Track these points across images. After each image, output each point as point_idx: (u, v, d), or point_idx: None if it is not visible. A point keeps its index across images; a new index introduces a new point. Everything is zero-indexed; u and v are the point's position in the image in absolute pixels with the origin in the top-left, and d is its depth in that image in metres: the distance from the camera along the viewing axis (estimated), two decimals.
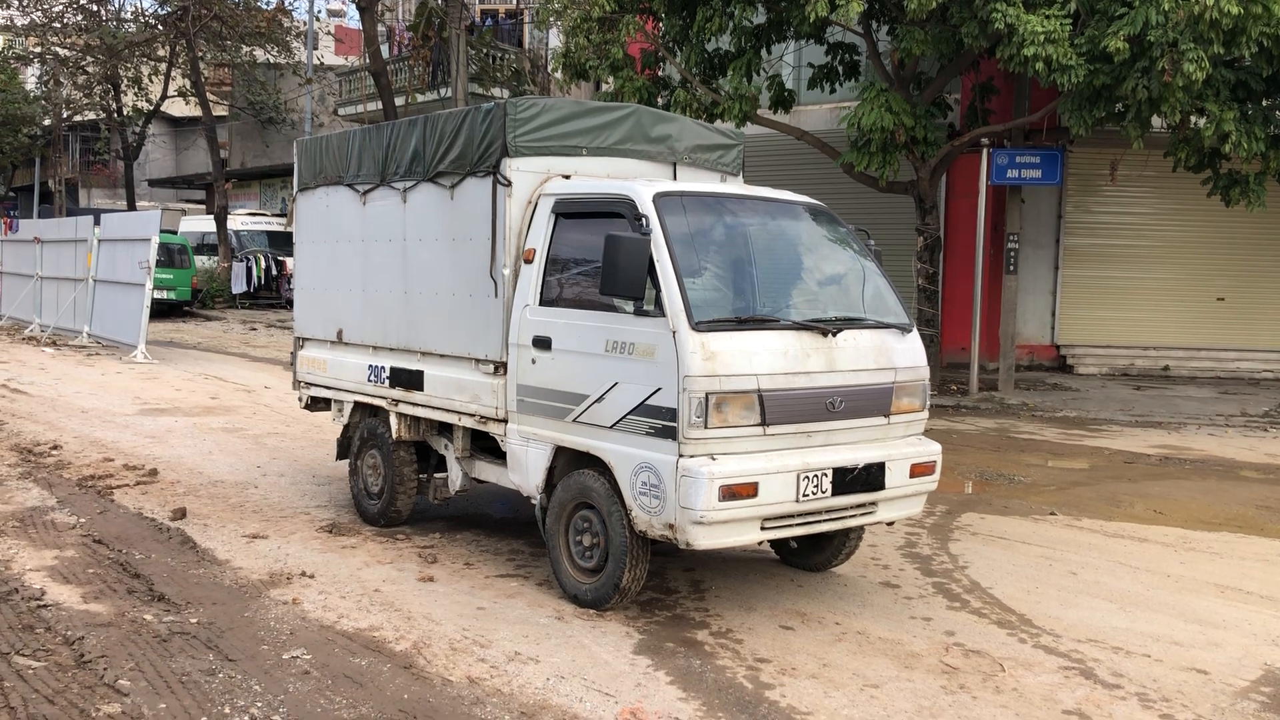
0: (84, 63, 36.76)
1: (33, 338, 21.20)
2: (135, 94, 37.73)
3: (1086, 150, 17.86)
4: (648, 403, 5.64)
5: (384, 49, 29.89)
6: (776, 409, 5.67)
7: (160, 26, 34.44)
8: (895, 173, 15.35)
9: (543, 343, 6.24)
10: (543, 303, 6.33)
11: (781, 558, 7.17)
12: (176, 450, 10.40)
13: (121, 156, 41.01)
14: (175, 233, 32.69)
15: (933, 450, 6.37)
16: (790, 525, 5.83)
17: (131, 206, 38.41)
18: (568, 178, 6.64)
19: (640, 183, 6.18)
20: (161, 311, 26.67)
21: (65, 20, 35.41)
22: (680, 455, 5.49)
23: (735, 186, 7.23)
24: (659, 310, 5.63)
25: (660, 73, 17.63)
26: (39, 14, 35.27)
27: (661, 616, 6.02)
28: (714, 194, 6.47)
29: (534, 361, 6.31)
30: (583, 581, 6.12)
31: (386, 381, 7.55)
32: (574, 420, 6.06)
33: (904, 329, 6.37)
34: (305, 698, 4.83)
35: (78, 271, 20.90)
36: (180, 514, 7.86)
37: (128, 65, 36.24)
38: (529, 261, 6.43)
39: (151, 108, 38.19)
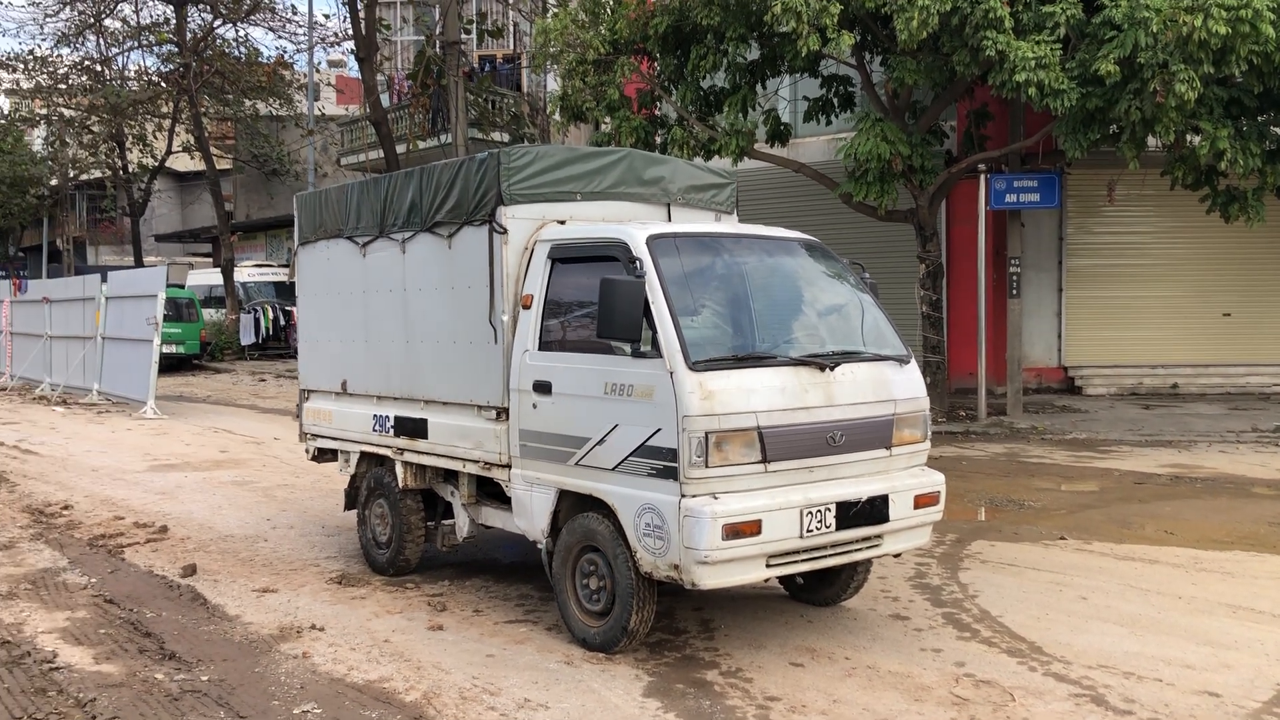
0: (89, 122, 37.19)
1: (43, 397, 21.31)
2: (140, 151, 38.15)
3: (1085, 172, 17.91)
4: (648, 444, 5.67)
5: (384, 98, 30.18)
6: (777, 445, 5.69)
7: (164, 84, 34.89)
8: (894, 201, 15.42)
9: (543, 387, 6.28)
10: (542, 347, 6.38)
11: (790, 593, 7.15)
12: (186, 506, 10.44)
13: (128, 213, 41.40)
14: (183, 287, 33.02)
15: (936, 480, 6.38)
16: (795, 561, 5.84)
17: (139, 262, 38.72)
18: (563, 223, 6.70)
19: (634, 225, 6.24)
20: (171, 365, 26.85)
21: (70, 81, 35.92)
22: (682, 495, 5.51)
23: (729, 225, 7.29)
24: (656, 351, 5.67)
25: (657, 111, 17.80)
26: (44, 76, 35.80)
27: (671, 658, 6.02)
28: (707, 234, 6.53)
29: (535, 406, 6.35)
30: (591, 625, 6.12)
31: (391, 430, 7.59)
32: (576, 463, 6.09)
33: (902, 360, 6.39)
34: None
35: (86, 330, 21.03)
36: (190, 570, 7.89)
37: (132, 123, 36.65)
38: (527, 307, 6.48)
39: (156, 164, 38.61)
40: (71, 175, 42.97)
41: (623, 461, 5.81)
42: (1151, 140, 13.72)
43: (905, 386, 6.32)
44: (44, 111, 38.41)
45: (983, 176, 15.90)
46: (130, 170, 39.77)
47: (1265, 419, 15.44)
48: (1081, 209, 18.86)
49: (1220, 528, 9.22)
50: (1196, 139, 13.34)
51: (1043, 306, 18.97)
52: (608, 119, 17.12)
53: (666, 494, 5.57)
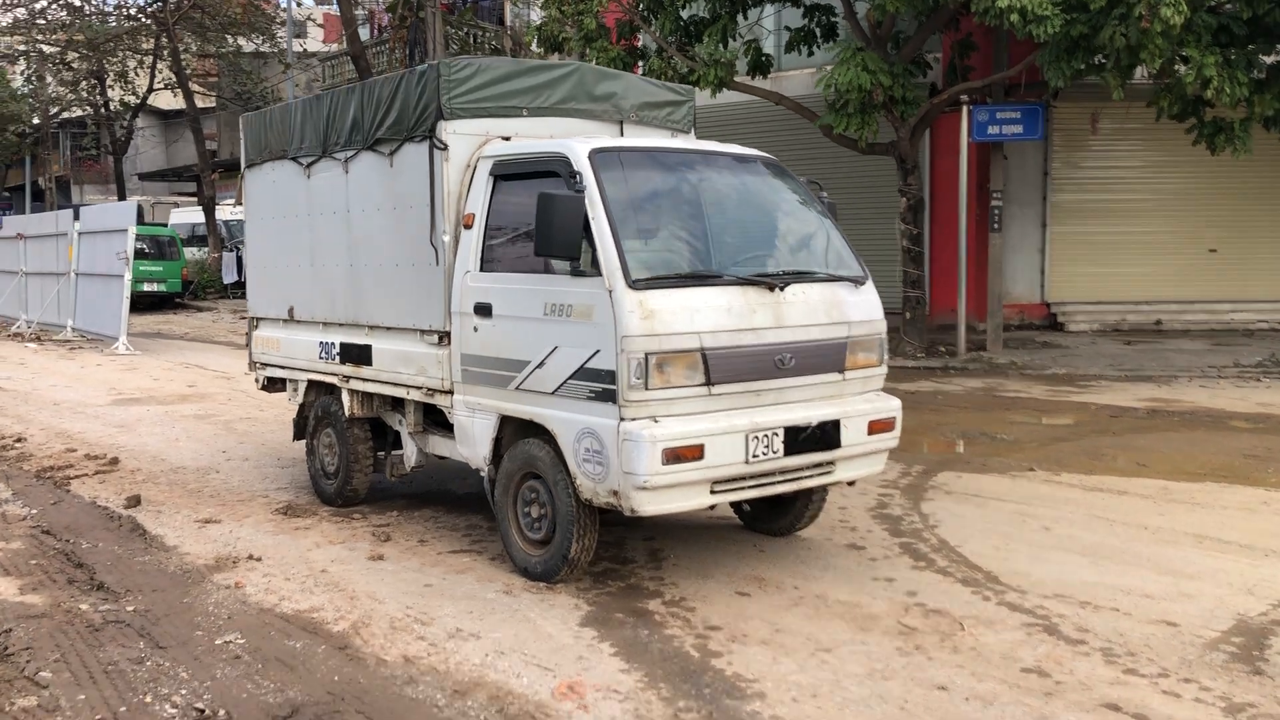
0: (68, 59, 36.51)
1: (18, 334, 21.03)
2: (122, 88, 37.49)
3: (1071, 104, 17.60)
4: (587, 366, 5.44)
5: (365, 32, 29.58)
6: (722, 367, 5.46)
7: (144, 18, 34.19)
8: (875, 134, 15.09)
9: (484, 309, 6.04)
10: (483, 268, 6.12)
11: (745, 523, 6.97)
12: (143, 438, 10.23)
13: (111, 151, 40.79)
14: (165, 225, 32.56)
15: (892, 406, 6.16)
16: (742, 487, 5.63)
17: (122, 200, 38.18)
18: (508, 139, 6.41)
19: (577, 140, 5.96)
20: (153, 304, 26.58)
21: (49, 16, 35.20)
22: (621, 419, 5.29)
23: (682, 142, 6.99)
24: (595, 270, 5.41)
25: (638, 43, 17.38)
26: (22, 10, 35.09)
27: (614, 587, 5.84)
28: (654, 148, 6.24)
29: (476, 329, 6.11)
30: (532, 554, 5.93)
31: (337, 358, 7.36)
32: (517, 388, 5.86)
33: (858, 281, 6.14)
34: (232, 683, 4.66)
35: (60, 266, 20.72)
36: (134, 501, 7.69)
37: (112, 59, 36.00)
38: (469, 227, 6.22)
39: (138, 101, 37.97)
40: (53, 113, 42.30)
41: (562, 385, 5.59)
42: (1138, 70, 13.38)
43: (861, 308, 6.08)
44: (23, 47, 37.68)
45: (965, 108, 15.55)
46: (112, 108, 39.13)
47: (1248, 354, 15.25)
48: (1067, 142, 18.50)
49: (1193, 460, 9.04)
50: (1183, 68, 13.01)
51: (1026, 242, 18.68)
52: (586, 49, 16.72)
53: (605, 418, 5.35)
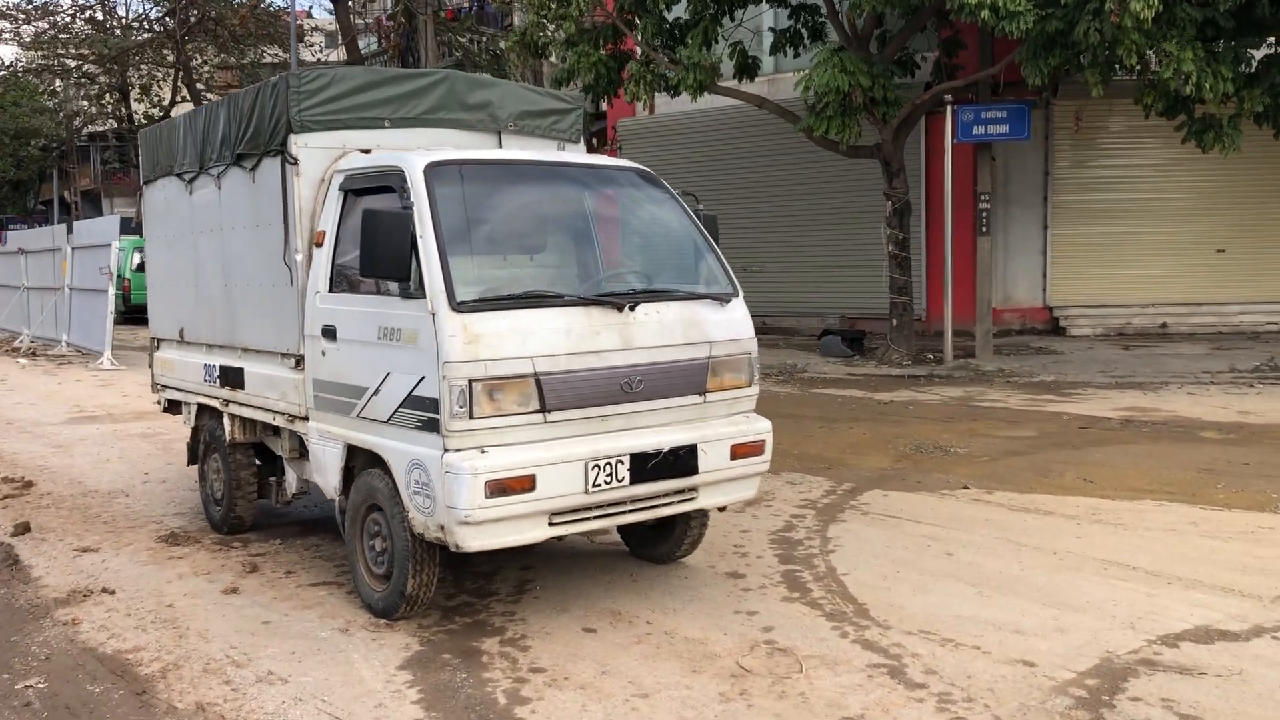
0: (88, 71, 36.97)
1: (17, 349, 21.16)
2: (148, 102, 37.91)
3: (1071, 103, 17.07)
4: (414, 393, 5.16)
5: (373, 41, 29.54)
6: (559, 393, 5.15)
7: (162, 30, 34.54)
8: (856, 136, 14.68)
9: (330, 332, 5.78)
10: (331, 289, 5.86)
11: (630, 549, 6.64)
12: (74, 459, 10.09)
13: (135, 164, 41.23)
14: None
15: (760, 429, 5.81)
16: (585, 518, 5.32)
17: None
18: (367, 152, 6.14)
19: (418, 152, 5.67)
20: None
21: (72, 30, 35.67)
22: (445, 450, 5.00)
23: (550, 153, 6.64)
24: (423, 292, 5.14)
25: (631, 46, 17.11)
26: (45, 23, 35.59)
27: (460, 623, 5.54)
28: (503, 161, 5.95)
29: (324, 353, 5.85)
30: (376, 589, 5.65)
31: (218, 380, 7.14)
32: (357, 415, 5.59)
33: (723, 299, 5.80)
34: None
35: (57, 280, 20.81)
36: (22, 529, 7.51)
37: (138, 70, 36.40)
38: (319, 245, 5.96)
39: (161, 114, 38.34)
40: (78, 127, 42.85)
41: (394, 413, 5.31)
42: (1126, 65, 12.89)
43: (725, 327, 5.74)
44: (47, 62, 38.23)
45: (949, 108, 15.09)
46: (135, 121, 39.55)
47: (1246, 359, 14.65)
48: (1069, 142, 17.96)
49: (1145, 474, 8.57)
50: (1164, 63, 12.48)
51: (1027, 244, 18.17)
52: (568, 54, 16.49)
53: (431, 448, 5.07)
